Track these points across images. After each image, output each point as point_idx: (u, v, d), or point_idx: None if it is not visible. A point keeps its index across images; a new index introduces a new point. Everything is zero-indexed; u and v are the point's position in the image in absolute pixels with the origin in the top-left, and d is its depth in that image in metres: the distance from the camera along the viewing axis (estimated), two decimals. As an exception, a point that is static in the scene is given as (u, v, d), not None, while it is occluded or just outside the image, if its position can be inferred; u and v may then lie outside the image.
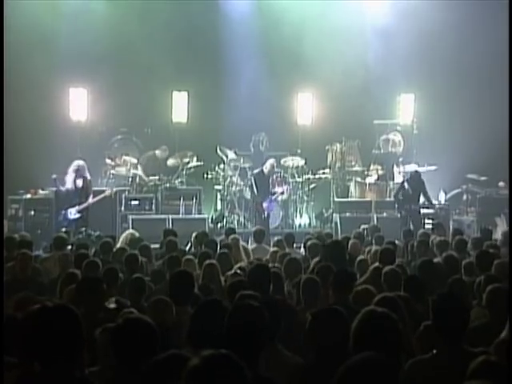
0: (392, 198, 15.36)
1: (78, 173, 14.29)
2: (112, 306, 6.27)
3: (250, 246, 11.44)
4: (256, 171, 15.57)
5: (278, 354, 4.63)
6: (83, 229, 13.94)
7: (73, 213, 14.16)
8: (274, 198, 15.37)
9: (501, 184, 16.33)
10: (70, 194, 14.34)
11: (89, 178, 14.46)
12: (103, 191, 15.11)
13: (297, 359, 4.70)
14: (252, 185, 15.45)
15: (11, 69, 14.99)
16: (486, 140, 15.54)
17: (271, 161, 15.38)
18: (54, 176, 14.43)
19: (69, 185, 14.32)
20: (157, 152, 16.76)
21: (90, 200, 14.24)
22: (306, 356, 4.70)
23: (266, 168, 15.22)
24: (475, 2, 15.80)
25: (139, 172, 16.34)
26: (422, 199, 14.75)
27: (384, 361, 3.20)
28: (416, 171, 15.12)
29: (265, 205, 14.99)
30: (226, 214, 15.83)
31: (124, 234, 11.75)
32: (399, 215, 14.74)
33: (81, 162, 14.46)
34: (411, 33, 16.23)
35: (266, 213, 15.03)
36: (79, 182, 14.30)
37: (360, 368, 3.10)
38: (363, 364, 3.12)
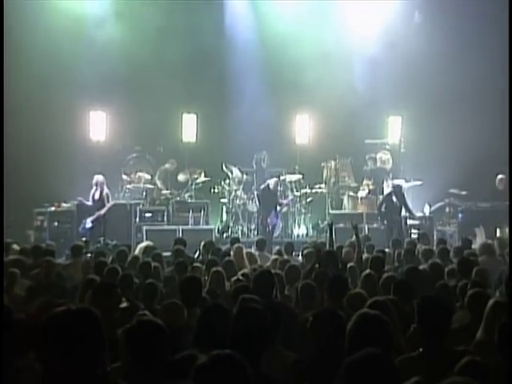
0: (377, 211, 15.28)
1: (97, 186, 14.40)
2: (124, 305, 6.31)
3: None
4: (262, 187, 15.52)
5: (278, 353, 4.58)
6: (101, 238, 14.01)
7: (87, 222, 14.23)
8: (279, 209, 15.34)
9: (499, 177, 16.19)
10: (89, 206, 14.47)
11: (106, 191, 14.48)
12: (120, 205, 15.29)
13: (295, 357, 4.65)
14: (257, 200, 15.53)
15: (37, 95, 15.16)
16: (466, 158, 15.58)
17: (275, 179, 15.44)
18: (79, 198, 14.69)
19: (89, 197, 14.44)
20: (167, 165, 16.77)
21: (101, 211, 14.26)
22: (304, 354, 4.66)
23: (271, 185, 15.20)
24: (455, 34, 15.82)
25: (158, 184, 16.45)
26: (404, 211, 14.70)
27: (385, 356, 3.28)
28: (398, 185, 15.02)
29: (269, 220, 15.02)
30: (231, 224, 15.84)
31: (141, 245, 11.73)
32: (382, 226, 14.73)
33: (100, 177, 14.56)
34: (397, 61, 16.39)
35: (270, 226, 15.03)
36: (97, 195, 14.39)
37: (365, 361, 3.17)
38: (368, 358, 3.20)
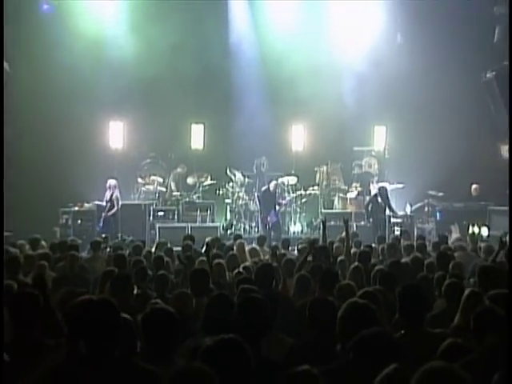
0: (364, 210, 15.33)
1: (109, 189, 14.59)
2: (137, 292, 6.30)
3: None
4: (262, 189, 15.57)
5: (276, 337, 4.54)
6: (119, 234, 14.10)
7: (100, 222, 14.47)
8: (278, 209, 15.37)
9: (474, 187, 16.31)
10: (102, 207, 14.66)
11: (116, 194, 14.58)
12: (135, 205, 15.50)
13: (292, 341, 4.60)
14: (257, 200, 15.60)
15: (62, 108, 15.17)
16: (443, 163, 15.54)
17: (275, 181, 15.51)
18: (96, 202, 14.98)
19: (103, 199, 14.68)
20: (177, 170, 16.80)
21: (108, 213, 14.48)
22: (300, 336, 4.66)
23: (271, 187, 15.28)
24: (432, 53, 15.87)
25: (171, 186, 16.50)
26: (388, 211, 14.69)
27: (387, 334, 3.50)
28: (383, 187, 15.02)
29: (268, 218, 15.11)
30: (234, 222, 15.84)
31: (151, 238, 11.80)
32: (369, 224, 14.75)
33: (112, 181, 14.73)
34: (382, 77, 16.26)
35: (270, 224, 15.12)
36: (108, 197, 14.57)
37: (371, 338, 3.36)
38: (373, 335, 3.40)
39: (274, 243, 11.29)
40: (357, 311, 3.93)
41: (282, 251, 9.70)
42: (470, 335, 4.08)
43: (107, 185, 14.67)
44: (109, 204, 14.56)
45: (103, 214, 14.52)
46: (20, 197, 14.04)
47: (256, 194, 15.94)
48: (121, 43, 16.07)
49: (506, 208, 15.45)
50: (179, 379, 2.64)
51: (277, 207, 15.35)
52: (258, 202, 15.64)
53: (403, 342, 4.12)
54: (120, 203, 14.80)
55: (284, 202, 15.97)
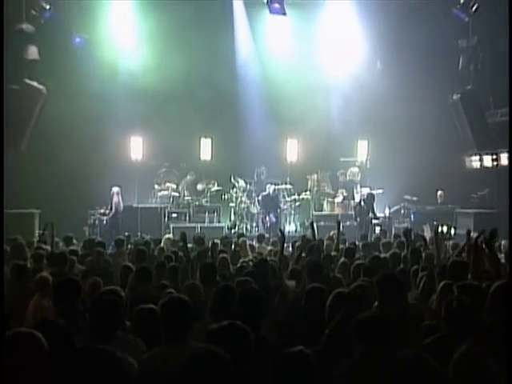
0: (352, 212, 15.38)
1: (112, 195, 14.82)
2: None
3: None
4: (263, 194, 15.64)
5: (272, 321, 4.52)
6: (139, 233, 14.09)
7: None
8: (279, 212, 15.45)
9: (439, 193, 16.33)
10: (127, 207, 14.98)
11: (114, 200, 14.77)
12: (152, 208, 15.60)
13: (287, 324, 4.59)
14: (258, 204, 15.60)
15: (93, 127, 15.22)
16: (417, 172, 15.52)
17: (273, 186, 15.60)
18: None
19: None
20: (188, 177, 16.82)
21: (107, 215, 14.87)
22: (293, 321, 4.62)
23: (270, 191, 15.38)
24: (407, 78, 15.83)
25: (184, 191, 16.48)
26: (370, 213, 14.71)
27: (383, 315, 3.52)
28: (370, 193, 15.11)
29: (267, 219, 15.13)
30: (238, 223, 15.82)
31: (165, 237, 11.82)
32: (355, 223, 14.79)
33: (114, 188, 14.89)
34: (364, 98, 16.31)
35: (268, 224, 15.14)
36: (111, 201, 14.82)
37: (371, 319, 3.38)
38: (372, 316, 3.43)
39: (272, 240, 11.26)
40: (342, 300, 3.95)
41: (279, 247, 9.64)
42: (442, 320, 4.07)
43: (111, 192, 14.82)
44: (111, 208, 14.81)
45: (105, 218, 14.72)
46: (57, 200, 14.13)
47: (256, 199, 15.97)
48: (141, 71, 16.01)
49: (470, 210, 15.63)
50: (197, 359, 2.65)
51: (278, 210, 15.40)
52: (258, 205, 15.66)
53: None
54: (121, 206, 14.90)
55: (284, 206, 16.03)
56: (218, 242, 9.33)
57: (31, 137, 14.74)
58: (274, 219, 15.21)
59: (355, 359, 3.32)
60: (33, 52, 14.24)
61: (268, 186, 15.77)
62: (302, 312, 4.50)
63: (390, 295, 4.47)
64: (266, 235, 12.72)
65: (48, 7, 14.56)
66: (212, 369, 2.51)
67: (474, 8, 14.64)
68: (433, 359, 2.68)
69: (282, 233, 7.52)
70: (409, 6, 16.10)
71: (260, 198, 15.75)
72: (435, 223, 14.59)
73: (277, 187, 16.09)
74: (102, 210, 15.30)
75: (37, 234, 11.15)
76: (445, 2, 15.50)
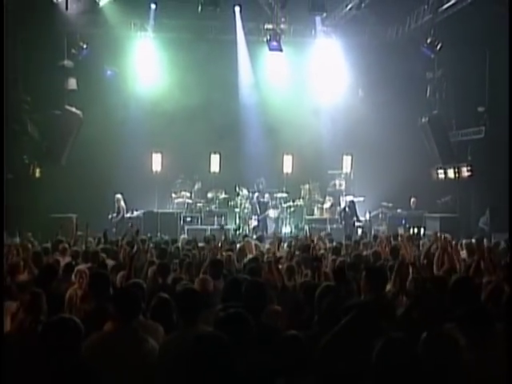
0: (338, 216, 15.43)
1: (118, 201, 14.87)
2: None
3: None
4: (261, 200, 15.77)
5: (272, 310, 4.40)
6: (159, 234, 14.07)
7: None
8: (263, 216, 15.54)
9: (412, 200, 16.31)
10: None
11: (117, 205, 14.79)
12: (170, 213, 15.51)
13: (283, 312, 4.47)
14: (257, 207, 15.70)
15: (121, 144, 15.21)
16: (392, 182, 15.48)
17: (267, 195, 15.73)
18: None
19: None
20: (196, 186, 16.72)
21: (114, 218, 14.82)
22: (290, 309, 4.53)
23: (266, 198, 15.48)
24: (385, 103, 15.93)
25: (197, 198, 16.44)
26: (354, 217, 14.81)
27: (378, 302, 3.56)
28: (352, 201, 15.18)
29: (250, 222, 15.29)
30: (242, 226, 15.82)
31: (181, 237, 11.79)
32: (340, 226, 14.82)
33: (116, 196, 14.87)
34: (349, 120, 16.37)
35: (251, 226, 15.33)
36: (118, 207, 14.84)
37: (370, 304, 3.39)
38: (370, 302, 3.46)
39: (270, 240, 11.22)
40: (328, 292, 3.92)
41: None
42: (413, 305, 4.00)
43: (115, 198, 14.83)
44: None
45: (115, 219, 14.72)
46: (90, 206, 14.10)
47: (257, 203, 16.01)
48: (160, 98, 16.03)
49: (436, 215, 15.67)
50: (202, 341, 2.67)
51: (267, 212, 15.41)
52: (258, 208, 15.73)
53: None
54: (124, 211, 14.88)
55: (274, 212, 16.06)
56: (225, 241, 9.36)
57: (70, 153, 14.94)
58: (255, 222, 15.33)
59: (336, 331, 3.27)
60: (72, 83, 14.79)
61: (256, 194, 15.88)
62: (295, 302, 4.48)
63: (376, 284, 4.41)
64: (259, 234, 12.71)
65: (85, 46, 14.89)
66: (212, 349, 2.55)
67: (438, 46, 14.90)
68: (407, 338, 2.66)
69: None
70: (385, 43, 16.49)
71: (257, 203, 15.82)
72: (407, 225, 14.89)
73: (275, 196, 16.17)
74: (128, 214, 15.30)
75: (74, 234, 11.14)
76: (414, 41, 15.63)
